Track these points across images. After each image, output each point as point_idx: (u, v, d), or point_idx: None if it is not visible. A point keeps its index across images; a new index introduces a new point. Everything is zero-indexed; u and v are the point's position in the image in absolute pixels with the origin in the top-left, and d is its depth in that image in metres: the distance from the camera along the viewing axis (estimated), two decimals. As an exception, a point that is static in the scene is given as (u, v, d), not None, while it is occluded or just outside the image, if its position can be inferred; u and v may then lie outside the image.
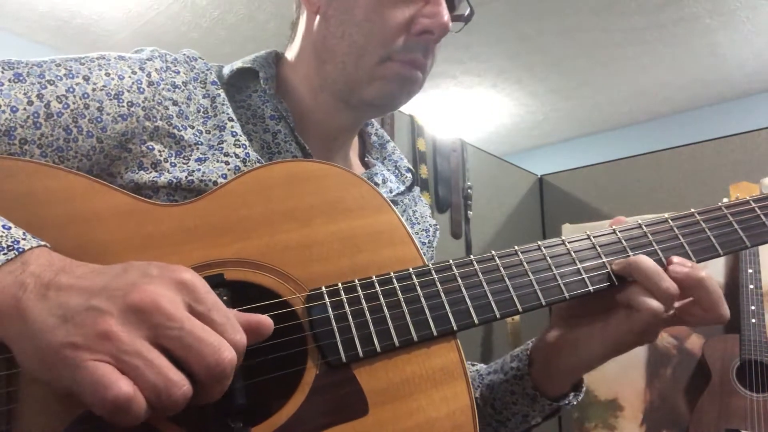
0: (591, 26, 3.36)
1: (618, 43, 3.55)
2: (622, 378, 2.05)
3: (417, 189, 0.89)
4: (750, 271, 1.87)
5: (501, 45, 3.58)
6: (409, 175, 0.87)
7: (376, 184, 0.79)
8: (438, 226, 0.91)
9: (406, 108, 2.32)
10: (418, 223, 0.86)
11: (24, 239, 0.44)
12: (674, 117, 4.64)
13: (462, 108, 4.48)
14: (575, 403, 0.69)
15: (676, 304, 0.61)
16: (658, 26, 3.36)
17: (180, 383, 0.39)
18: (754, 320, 1.81)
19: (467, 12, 0.75)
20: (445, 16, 0.68)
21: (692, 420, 1.84)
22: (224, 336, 0.42)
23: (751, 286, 1.85)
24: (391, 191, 0.80)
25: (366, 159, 0.86)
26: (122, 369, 0.38)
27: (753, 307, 1.82)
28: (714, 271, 2.00)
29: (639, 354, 2.05)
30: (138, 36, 3.39)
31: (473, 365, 0.82)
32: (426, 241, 0.86)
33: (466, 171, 2.35)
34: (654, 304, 0.57)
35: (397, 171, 0.86)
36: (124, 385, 0.37)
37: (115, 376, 0.37)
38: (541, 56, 3.73)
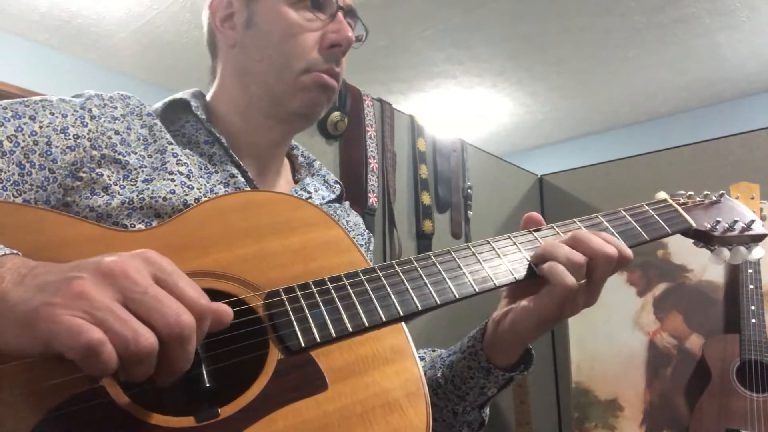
0: (591, 26, 3.37)
1: (618, 43, 3.55)
2: (622, 378, 2.05)
3: (347, 203, 0.99)
4: (750, 271, 1.87)
5: (501, 45, 3.58)
6: (338, 186, 0.96)
7: (309, 192, 0.89)
8: (372, 235, 1.00)
9: (406, 108, 2.32)
10: (353, 231, 0.94)
11: None
12: (674, 117, 4.64)
13: (462, 108, 4.48)
14: (526, 373, 0.77)
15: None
16: (658, 26, 3.36)
17: (146, 334, 0.42)
18: (754, 320, 1.81)
19: (363, 33, 0.87)
20: (349, 31, 0.80)
21: (692, 420, 1.84)
22: (190, 299, 0.46)
23: (751, 286, 1.85)
24: (323, 198, 0.90)
25: (296, 177, 0.95)
26: (94, 323, 0.41)
27: (753, 307, 1.82)
28: (714, 272, 2.00)
29: (639, 354, 2.05)
30: (138, 36, 3.39)
31: (434, 350, 0.90)
32: (363, 243, 0.95)
33: (466, 171, 2.35)
34: (567, 278, 0.65)
35: (326, 183, 0.95)
36: (95, 332, 0.40)
37: (88, 325, 0.41)
38: (541, 56, 3.73)
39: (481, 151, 2.53)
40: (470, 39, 3.51)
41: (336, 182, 0.96)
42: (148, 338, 0.42)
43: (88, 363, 0.41)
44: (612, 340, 2.08)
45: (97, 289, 0.43)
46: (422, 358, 0.87)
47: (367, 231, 0.98)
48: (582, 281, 0.67)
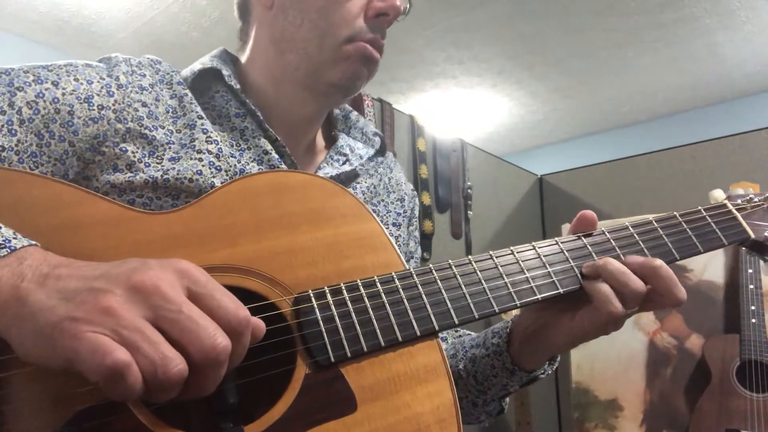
0: (591, 26, 3.36)
1: (618, 43, 3.54)
2: (622, 378, 2.05)
3: (390, 155, 0.92)
4: (750, 271, 1.87)
5: (501, 45, 3.58)
6: (377, 138, 0.89)
7: (344, 155, 0.81)
8: (416, 193, 0.94)
9: (406, 108, 2.32)
10: (394, 192, 0.88)
11: (15, 238, 0.45)
12: (674, 117, 4.64)
13: (462, 108, 4.48)
14: (550, 372, 0.74)
15: None
16: (658, 26, 3.36)
17: (176, 360, 0.39)
18: (754, 320, 1.81)
19: (407, 6, 0.80)
20: (397, 0, 0.74)
21: (692, 420, 1.84)
22: (227, 310, 0.43)
23: (751, 286, 1.85)
24: (361, 157, 0.83)
25: (333, 133, 0.88)
26: (121, 342, 0.38)
27: (753, 307, 1.82)
28: (714, 272, 1.99)
29: (639, 354, 2.05)
30: (138, 36, 3.39)
31: (457, 331, 0.86)
32: (401, 211, 0.88)
33: (466, 171, 2.35)
34: (613, 307, 0.61)
35: (364, 137, 0.89)
36: (122, 353, 0.37)
37: (114, 345, 0.38)
38: (541, 56, 3.73)
39: (481, 151, 2.53)
40: (470, 39, 3.51)
41: (375, 134, 0.89)
42: (178, 364, 0.39)
43: (112, 387, 0.38)
44: (612, 340, 2.08)
45: (126, 305, 0.39)
46: (444, 339, 0.85)
47: (410, 192, 0.92)
48: (635, 309, 0.63)
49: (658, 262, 0.64)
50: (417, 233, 0.92)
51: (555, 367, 0.75)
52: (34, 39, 3.43)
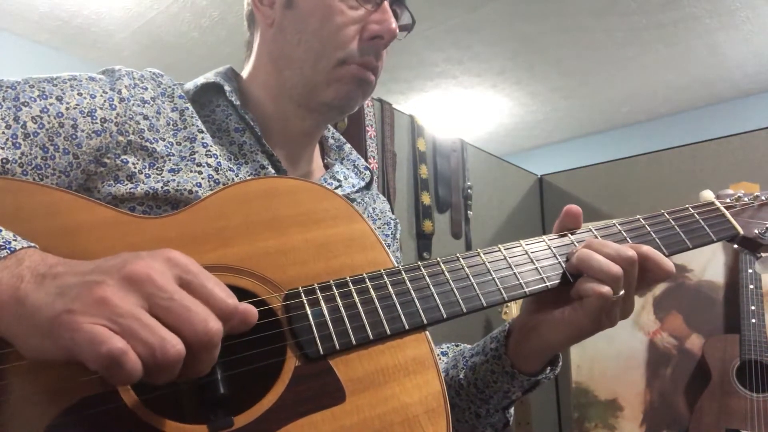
0: (591, 26, 3.36)
1: (618, 43, 3.55)
2: (622, 378, 2.05)
3: (375, 187, 0.95)
4: (750, 271, 1.87)
5: (501, 45, 3.58)
6: (367, 172, 0.92)
7: (338, 180, 0.84)
8: (398, 221, 0.97)
9: (406, 108, 2.32)
10: (379, 219, 0.91)
11: (15, 240, 0.46)
12: (674, 117, 4.64)
13: (462, 108, 4.48)
14: (552, 377, 0.74)
15: None
16: (658, 26, 3.36)
17: (173, 341, 0.41)
18: (754, 320, 1.81)
19: (410, 22, 0.81)
20: (393, 23, 0.75)
21: (692, 420, 1.84)
22: (217, 299, 0.44)
23: (751, 286, 1.85)
24: (353, 186, 0.86)
25: (326, 161, 0.91)
26: (117, 331, 0.40)
27: (753, 307, 1.82)
28: (714, 272, 1.99)
29: (639, 354, 2.05)
30: (138, 36, 3.39)
31: (457, 345, 0.87)
32: (389, 233, 0.91)
33: (466, 171, 2.35)
34: (599, 288, 0.62)
35: (356, 169, 0.91)
36: (117, 341, 0.39)
37: (110, 334, 0.39)
38: (541, 56, 3.73)
39: (481, 151, 2.53)
40: (470, 39, 3.51)
41: (366, 168, 0.92)
42: (175, 345, 0.40)
43: (111, 373, 0.39)
44: (612, 340, 2.08)
45: (120, 295, 0.41)
46: (444, 353, 0.85)
47: (393, 218, 0.95)
48: (620, 293, 0.64)
49: (630, 252, 0.64)
50: (399, 254, 0.95)
51: (557, 371, 0.74)
52: (34, 39, 3.43)
